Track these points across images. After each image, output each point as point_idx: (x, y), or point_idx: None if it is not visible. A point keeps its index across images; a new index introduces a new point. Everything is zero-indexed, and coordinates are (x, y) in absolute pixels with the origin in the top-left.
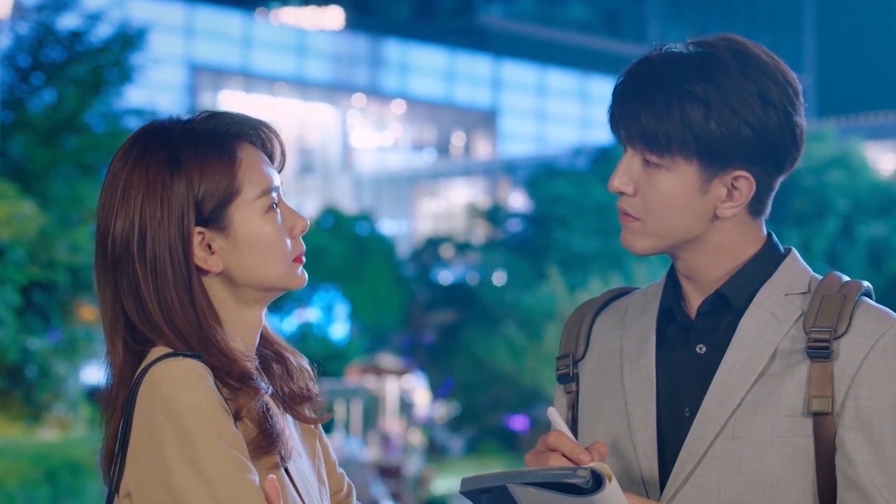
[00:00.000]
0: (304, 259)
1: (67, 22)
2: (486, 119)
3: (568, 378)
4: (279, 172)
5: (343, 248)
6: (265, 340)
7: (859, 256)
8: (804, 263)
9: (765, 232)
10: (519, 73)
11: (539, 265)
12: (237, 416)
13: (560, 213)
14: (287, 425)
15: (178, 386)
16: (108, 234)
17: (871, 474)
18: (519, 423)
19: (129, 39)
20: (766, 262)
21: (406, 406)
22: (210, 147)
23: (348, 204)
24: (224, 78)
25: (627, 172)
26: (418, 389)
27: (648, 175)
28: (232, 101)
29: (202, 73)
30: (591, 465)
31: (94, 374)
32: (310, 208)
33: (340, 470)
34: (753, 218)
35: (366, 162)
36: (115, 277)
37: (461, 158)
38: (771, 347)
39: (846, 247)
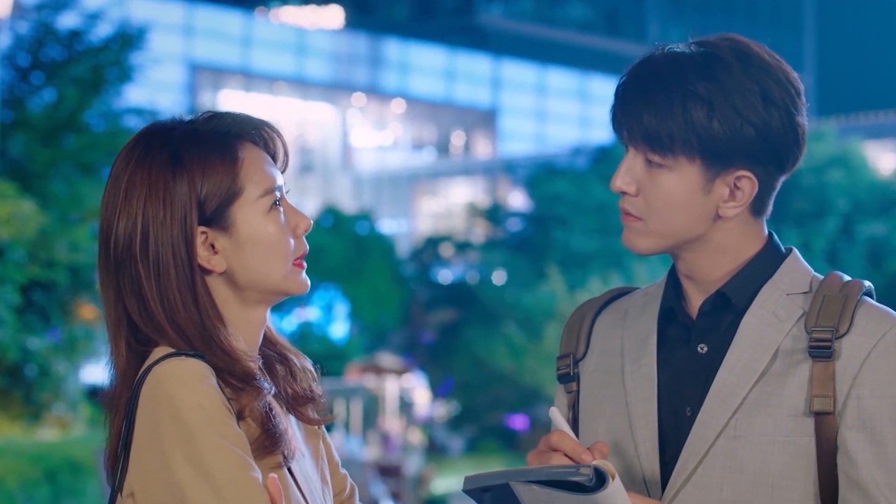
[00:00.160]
0: (304, 264)
1: (67, 21)
2: (485, 118)
3: (568, 378)
4: (282, 172)
5: (343, 248)
6: (269, 341)
7: (859, 256)
8: (805, 263)
9: (766, 232)
10: (519, 72)
11: (539, 264)
12: (240, 416)
13: (560, 213)
14: (290, 425)
15: (180, 386)
16: (110, 235)
17: (872, 474)
18: (519, 422)
19: (128, 39)
20: (767, 262)
21: (406, 405)
22: (212, 147)
23: (348, 203)
24: (224, 77)
25: (630, 172)
26: (418, 389)
27: (651, 175)
28: (232, 100)
29: (202, 73)
30: (595, 462)
31: (94, 373)
32: (309, 207)
33: (343, 471)
34: (755, 218)
35: (366, 161)
36: (118, 278)
37: (461, 158)
38: (772, 347)
39: (846, 246)
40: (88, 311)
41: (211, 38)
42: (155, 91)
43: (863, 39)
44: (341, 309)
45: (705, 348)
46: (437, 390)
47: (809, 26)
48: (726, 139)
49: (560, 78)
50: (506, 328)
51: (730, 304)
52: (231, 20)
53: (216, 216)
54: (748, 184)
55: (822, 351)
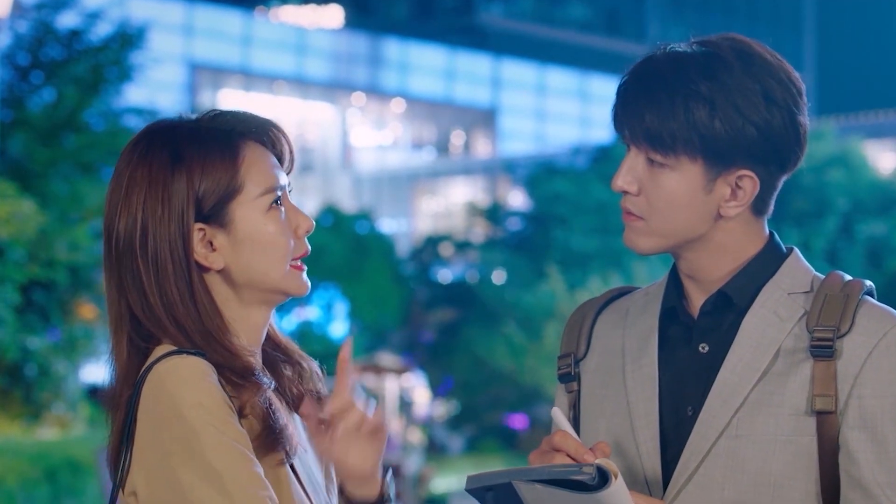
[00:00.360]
0: (304, 266)
1: (67, 20)
2: (485, 118)
3: (569, 377)
4: (287, 174)
5: (342, 247)
6: (274, 343)
7: (859, 255)
8: (806, 262)
9: (767, 231)
10: (519, 71)
11: (539, 264)
12: (241, 413)
13: (560, 212)
14: (293, 422)
15: (181, 384)
16: (112, 231)
17: (874, 473)
18: (518, 421)
19: (128, 38)
20: (768, 262)
21: (405, 405)
22: (213, 144)
23: (348, 202)
24: (224, 76)
25: (631, 172)
26: (418, 388)
27: (653, 174)
28: (231, 99)
29: (202, 72)
30: (597, 461)
31: (94, 372)
32: (309, 207)
33: None
34: (756, 217)
35: (365, 160)
36: (120, 273)
37: (461, 157)
38: (774, 346)
39: (846, 245)
40: (88, 311)
41: (211, 37)
42: (155, 91)
43: (863, 39)
44: (341, 308)
45: (707, 348)
46: (437, 390)
47: (809, 26)
48: (728, 139)
49: (560, 78)
50: (506, 328)
51: (731, 304)
52: (231, 19)
53: (215, 213)
54: (750, 183)
55: (823, 350)
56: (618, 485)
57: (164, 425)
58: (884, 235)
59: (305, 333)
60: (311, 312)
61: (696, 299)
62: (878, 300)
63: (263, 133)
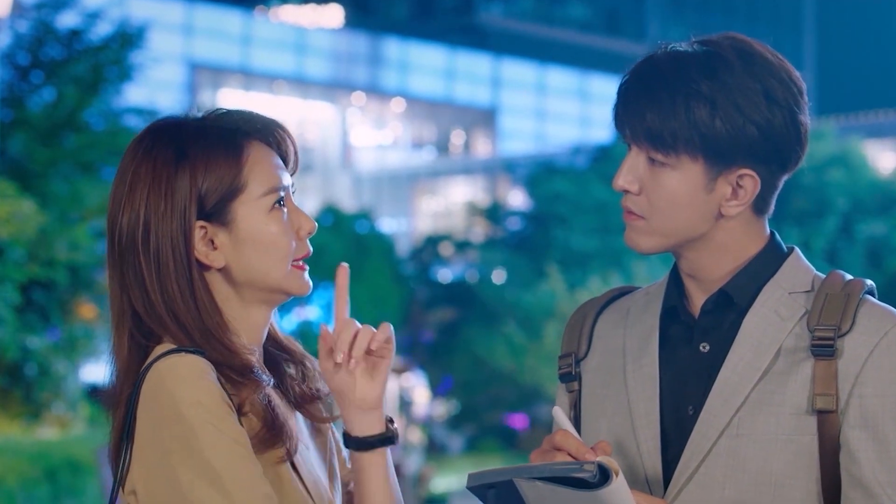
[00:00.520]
0: (306, 266)
1: (67, 20)
2: (485, 117)
3: (570, 377)
4: (292, 174)
5: (342, 247)
6: (277, 343)
7: (859, 255)
8: (807, 262)
9: (768, 231)
10: (519, 71)
11: (539, 263)
12: (240, 411)
13: (560, 212)
14: (294, 419)
15: (180, 382)
16: (115, 226)
17: (875, 472)
18: (518, 421)
19: (128, 38)
20: (769, 261)
21: (405, 404)
22: (218, 143)
23: (348, 202)
24: (223, 76)
25: (632, 171)
26: (418, 387)
27: (654, 173)
28: (231, 99)
29: (201, 72)
30: (599, 459)
31: (94, 372)
32: (309, 206)
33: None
34: (757, 217)
35: (365, 160)
36: (122, 269)
37: (461, 157)
38: (775, 345)
39: (846, 245)
40: (88, 311)
41: (210, 37)
42: (155, 90)
43: (863, 39)
44: None
45: (707, 347)
46: (437, 389)
47: (809, 26)
48: (729, 138)
49: (560, 77)
50: (506, 327)
51: (732, 303)
52: (231, 19)
53: (217, 211)
54: (751, 182)
55: (824, 349)
56: (619, 482)
57: (164, 424)
58: (884, 235)
59: (306, 333)
60: (311, 312)
61: (697, 298)
62: (879, 300)
63: (268, 133)
